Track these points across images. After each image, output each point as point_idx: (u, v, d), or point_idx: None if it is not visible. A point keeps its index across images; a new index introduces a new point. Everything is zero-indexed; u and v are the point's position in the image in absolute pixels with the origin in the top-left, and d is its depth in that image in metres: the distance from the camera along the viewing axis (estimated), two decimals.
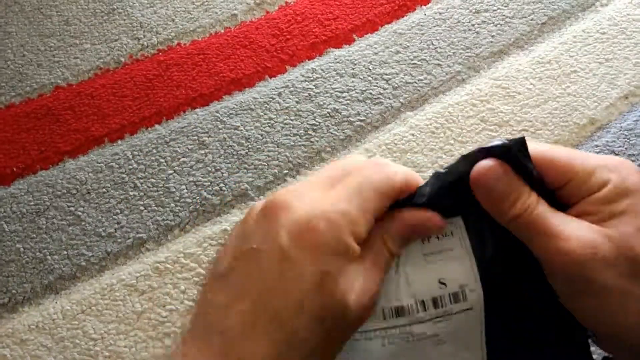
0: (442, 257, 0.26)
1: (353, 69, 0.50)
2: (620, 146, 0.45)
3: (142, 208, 0.43)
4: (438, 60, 0.50)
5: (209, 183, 0.44)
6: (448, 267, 0.26)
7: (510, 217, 0.24)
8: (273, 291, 0.21)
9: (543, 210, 0.23)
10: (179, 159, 0.45)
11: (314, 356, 0.22)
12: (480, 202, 0.25)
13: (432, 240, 0.26)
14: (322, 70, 0.50)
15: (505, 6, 0.54)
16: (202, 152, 0.46)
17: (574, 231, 0.22)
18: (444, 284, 0.25)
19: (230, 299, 0.22)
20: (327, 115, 0.47)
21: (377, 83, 0.49)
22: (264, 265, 0.22)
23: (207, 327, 0.22)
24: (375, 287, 0.23)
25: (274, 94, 0.48)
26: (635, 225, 0.22)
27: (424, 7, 0.54)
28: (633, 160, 0.44)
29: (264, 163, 0.45)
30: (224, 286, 0.23)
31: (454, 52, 0.51)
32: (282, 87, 0.49)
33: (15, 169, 0.45)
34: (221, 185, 0.44)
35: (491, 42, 0.51)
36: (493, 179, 0.23)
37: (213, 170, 0.45)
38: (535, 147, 0.25)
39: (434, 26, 0.52)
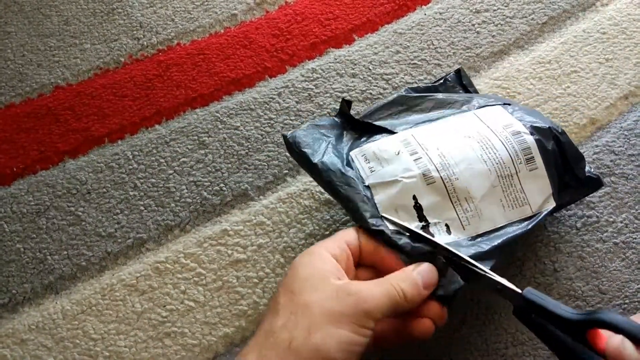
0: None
1: (353, 69, 0.50)
2: (620, 146, 0.45)
3: (142, 208, 0.43)
4: (438, 60, 0.50)
5: (209, 183, 0.44)
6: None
7: None
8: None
9: None
10: (179, 159, 0.45)
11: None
12: None
13: None
14: (322, 70, 0.50)
15: (505, 6, 0.54)
16: (202, 152, 0.46)
17: None
18: None
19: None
20: (327, 115, 0.47)
21: (377, 83, 0.49)
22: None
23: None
24: None
25: (274, 94, 0.48)
26: None
27: (424, 7, 0.54)
28: (633, 161, 0.44)
29: (264, 163, 0.45)
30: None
31: (454, 52, 0.51)
32: (282, 87, 0.49)
33: (15, 169, 0.45)
34: (221, 185, 0.44)
35: (491, 42, 0.51)
36: None
37: (213, 170, 0.45)
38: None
39: (434, 26, 0.52)
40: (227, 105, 0.48)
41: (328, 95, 0.48)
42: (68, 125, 0.47)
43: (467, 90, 0.44)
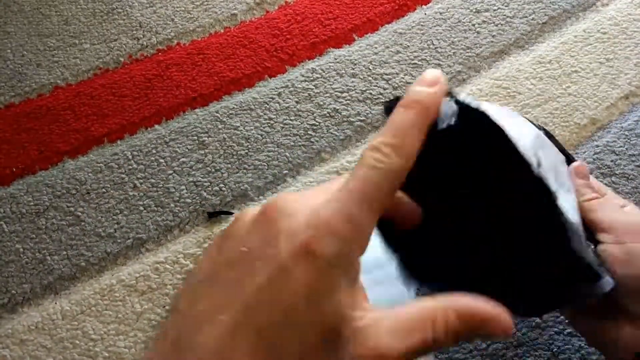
0: None
1: (353, 69, 0.50)
2: (620, 146, 0.45)
3: (141, 208, 0.43)
4: (438, 60, 0.50)
5: (209, 183, 0.44)
6: None
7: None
8: (261, 303, 0.18)
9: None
10: (179, 159, 0.45)
11: None
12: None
13: None
14: (322, 70, 0.50)
15: (505, 6, 0.53)
16: (202, 152, 0.45)
17: None
18: None
19: (210, 308, 0.18)
20: (327, 115, 0.47)
21: (377, 83, 0.49)
22: (255, 271, 0.18)
23: (176, 343, 0.18)
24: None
25: (274, 94, 0.48)
26: None
27: (424, 6, 0.54)
28: (633, 161, 0.44)
29: (264, 163, 0.45)
30: (204, 294, 0.19)
31: (454, 52, 0.51)
32: (282, 87, 0.49)
33: (14, 169, 0.45)
34: (221, 185, 0.44)
35: (492, 41, 0.51)
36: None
37: (213, 170, 0.45)
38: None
39: (435, 26, 0.52)
40: (227, 105, 0.48)
41: (328, 95, 0.48)
42: (67, 125, 0.47)
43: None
